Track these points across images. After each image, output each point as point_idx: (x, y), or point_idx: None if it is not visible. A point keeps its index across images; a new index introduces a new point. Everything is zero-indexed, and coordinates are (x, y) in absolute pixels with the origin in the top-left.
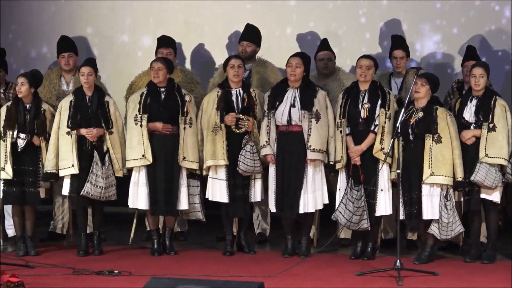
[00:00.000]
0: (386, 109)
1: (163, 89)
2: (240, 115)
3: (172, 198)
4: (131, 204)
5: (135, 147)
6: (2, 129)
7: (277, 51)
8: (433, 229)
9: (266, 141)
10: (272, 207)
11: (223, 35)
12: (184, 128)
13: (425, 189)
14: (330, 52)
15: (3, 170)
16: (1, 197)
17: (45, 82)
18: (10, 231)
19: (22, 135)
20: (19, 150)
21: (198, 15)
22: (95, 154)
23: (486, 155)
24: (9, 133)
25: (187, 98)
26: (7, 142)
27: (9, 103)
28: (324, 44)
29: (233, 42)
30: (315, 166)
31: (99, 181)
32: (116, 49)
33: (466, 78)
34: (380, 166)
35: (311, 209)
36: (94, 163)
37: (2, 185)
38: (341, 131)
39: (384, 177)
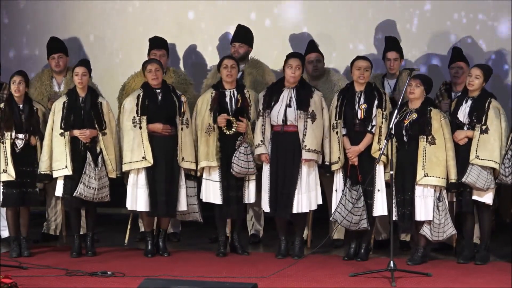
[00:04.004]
0: (383, 110)
1: (158, 91)
2: (230, 117)
3: (172, 199)
4: (130, 206)
5: (135, 149)
6: None
7: (269, 52)
8: (425, 230)
9: (261, 141)
10: (266, 207)
11: (215, 36)
12: (182, 129)
13: (418, 190)
14: (318, 53)
15: (4, 172)
16: (1, 199)
17: (37, 84)
18: (4, 232)
19: (20, 136)
20: (17, 151)
21: (190, 16)
22: (88, 155)
23: (477, 156)
24: (7, 134)
25: (183, 98)
26: (6, 144)
27: (1, 104)
28: (312, 46)
29: (225, 43)
30: (309, 167)
31: (92, 182)
32: (108, 50)
33: (454, 80)
34: (376, 166)
35: (304, 209)
36: (87, 164)
37: (1, 187)
38: (337, 132)
39: (381, 177)
